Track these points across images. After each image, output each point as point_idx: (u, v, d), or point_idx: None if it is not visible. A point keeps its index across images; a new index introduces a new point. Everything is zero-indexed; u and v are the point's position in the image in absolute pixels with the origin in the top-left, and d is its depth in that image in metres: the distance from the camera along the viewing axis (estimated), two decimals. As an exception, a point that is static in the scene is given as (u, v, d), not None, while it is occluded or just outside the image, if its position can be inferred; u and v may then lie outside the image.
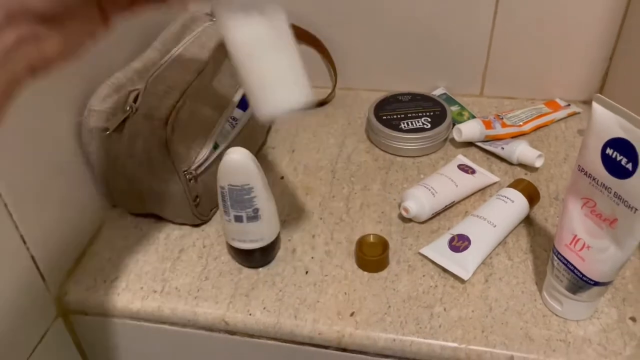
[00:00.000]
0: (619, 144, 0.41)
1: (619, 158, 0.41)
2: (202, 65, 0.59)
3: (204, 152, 0.60)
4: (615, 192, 0.42)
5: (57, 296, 0.57)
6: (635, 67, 0.68)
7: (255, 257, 0.56)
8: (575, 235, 0.47)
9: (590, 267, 0.46)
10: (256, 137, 0.71)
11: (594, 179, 0.44)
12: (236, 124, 0.65)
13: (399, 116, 0.72)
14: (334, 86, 0.83)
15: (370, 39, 0.79)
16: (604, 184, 0.43)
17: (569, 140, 0.72)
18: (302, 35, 0.79)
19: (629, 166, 0.40)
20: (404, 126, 0.70)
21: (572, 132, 0.74)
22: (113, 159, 0.57)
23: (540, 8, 0.72)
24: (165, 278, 0.57)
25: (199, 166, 0.59)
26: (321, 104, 0.82)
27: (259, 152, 0.72)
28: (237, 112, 0.65)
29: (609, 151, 0.42)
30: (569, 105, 0.78)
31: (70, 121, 0.58)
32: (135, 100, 0.55)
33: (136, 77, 0.58)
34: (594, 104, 0.43)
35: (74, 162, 0.59)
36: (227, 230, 0.55)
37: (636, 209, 0.41)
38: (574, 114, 0.76)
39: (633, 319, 0.51)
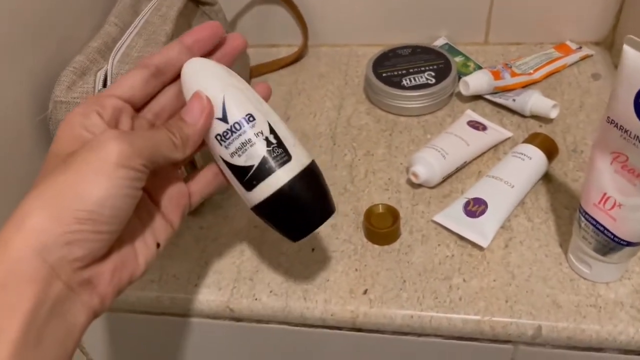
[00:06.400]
0: (657, 91, 0.36)
1: (656, 107, 0.37)
2: (167, 39, 0.53)
3: None
4: (652, 145, 0.38)
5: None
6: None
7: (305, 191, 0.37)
8: (605, 194, 0.43)
9: (623, 227, 0.42)
10: None
11: (625, 132, 0.39)
12: None
13: (400, 72, 0.66)
14: (305, 42, 0.76)
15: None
16: (638, 137, 0.38)
17: (583, 86, 0.67)
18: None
19: (670, 115, 0.36)
20: (407, 83, 0.65)
21: (585, 77, 0.69)
22: None
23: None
24: (161, 265, 0.53)
25: None
26: (291, 62, 0.76)
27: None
28: None
29: (644, 99, 0.37)
30: (580, 47, 0.72)
31: (31, 118, 0.50)
32: (104, 84, 0.49)
33: (99, 57, 0.52)
34: (625, 47, 0.38)
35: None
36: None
37: (678, 163, 0.36)
38: (587, 57, 0.71)
39: (667, 277, 0.47)
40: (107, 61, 0.50)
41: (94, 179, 0.30)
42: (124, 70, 0.48)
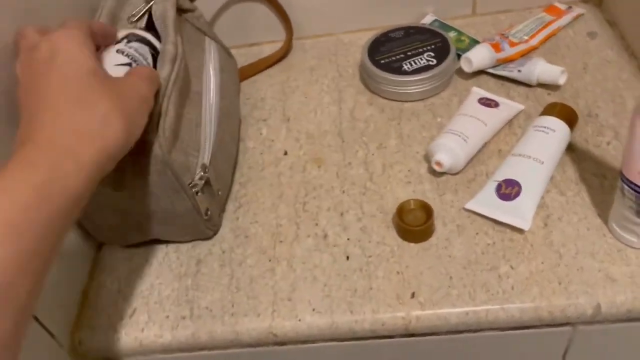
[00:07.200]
0: None
1: None
2: (172, 57, 0.48)
3: (202, 156, 0.50)
4: None
5: (71, 348, 0.49)
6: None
7: None
8: (651, 161, 0.42)
9: (674, 193, 0.41)
10: (235, 113, 0.61)
11: (673, 95, 0.38)
12: (212, 109, 0.54)
13: (398, 57, 0.64)
14: (290, 36, 0.72)
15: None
16: (687, 100, 0.37)
17: (581, 47, 0.66)
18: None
19: None
20: (408, 67, 0.62)
21: (582, 36, 0.68)
22: (95, 195, 0.46)
23: None
24: (190, 299, 0.49)
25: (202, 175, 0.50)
26: (279, 59, 0.72)
27: (248, 129, 0.64)
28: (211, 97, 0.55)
29: (693, 61, 0.36)
30: (570, 7, 0.71)
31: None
32: None
33: None
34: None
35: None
36: None
37: None
38: (579, 16, 0.70)
39: None
40: None
41: None
42: None
